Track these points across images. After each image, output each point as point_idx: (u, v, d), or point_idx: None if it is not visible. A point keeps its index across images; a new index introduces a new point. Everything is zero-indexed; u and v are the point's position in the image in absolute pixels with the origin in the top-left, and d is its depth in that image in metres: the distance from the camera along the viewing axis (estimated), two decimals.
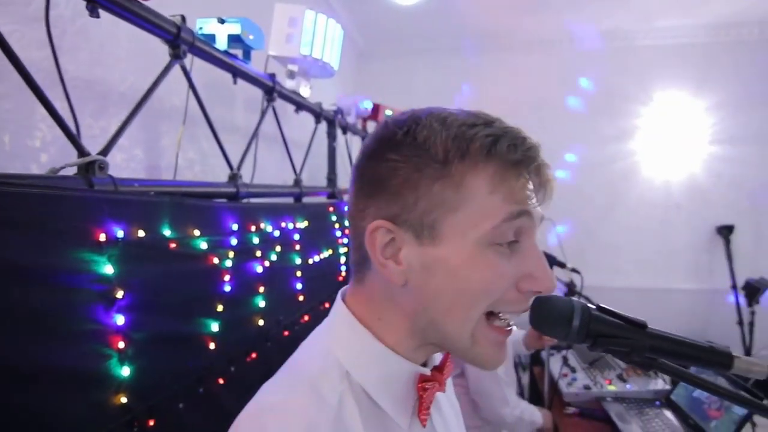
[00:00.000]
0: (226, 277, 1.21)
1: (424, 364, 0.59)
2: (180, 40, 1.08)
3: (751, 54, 3.94)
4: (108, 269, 0.84)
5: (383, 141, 0.54)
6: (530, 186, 0.51)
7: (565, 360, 2.22)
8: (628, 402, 1.94)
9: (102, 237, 0.83)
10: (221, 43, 1.30)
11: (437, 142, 0.49)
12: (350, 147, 2.84)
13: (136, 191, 0.96)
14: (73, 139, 0.86)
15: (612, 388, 2.01)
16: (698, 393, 1.74)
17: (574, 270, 2.00)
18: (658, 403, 1.93)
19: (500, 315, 0.54)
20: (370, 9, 3.69)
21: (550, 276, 0.53)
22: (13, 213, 0.69)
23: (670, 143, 4.11)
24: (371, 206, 0.53)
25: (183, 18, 1.09)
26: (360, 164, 0.57)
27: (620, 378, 2.07)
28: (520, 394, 3.10)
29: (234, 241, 1.26)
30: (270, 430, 0.46)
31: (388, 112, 2.82)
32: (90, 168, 0.87)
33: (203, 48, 1.19)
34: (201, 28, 1.31)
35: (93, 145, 1.56)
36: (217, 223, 1.20)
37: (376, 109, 2.86)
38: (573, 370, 2.20)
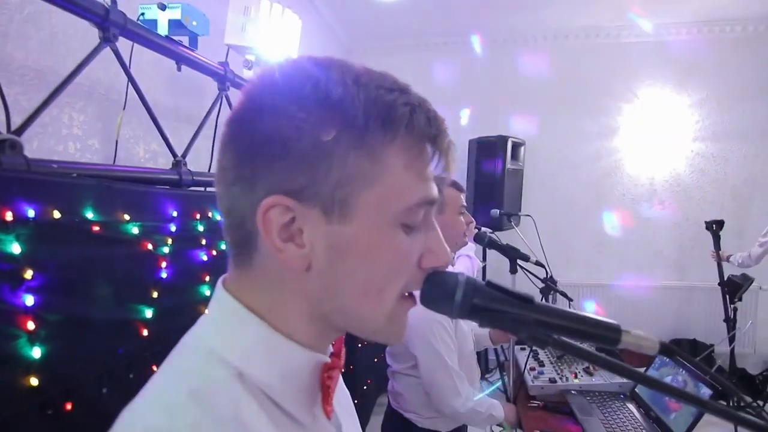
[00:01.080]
0: (163, 264, 1.20)
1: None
2: (109, 23, 1.07)
3: (733, 51, 3.93)
4: (15, 248, 0.83)
5: (281, 91, 0.44)
6: (440, 162, 0.49)
7: (534, 353, 2.20)
8: (593, 395, 1.92)
9: (9, 216, 0.82)
10: (162, 29, 1.29)
11: (356, 104, 0.42)
12: None
13: (52, 172, 0.95)
14: None
15: (577, 381, 1.99)
16: None
17: (538, 263, 1.98)
18: (622, 396, 1.91)
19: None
20: (353, 6, 3.69)
21: (448, 250, 0.52)
22: None
23: (654, 140, 4.09)
24: (264, 174, 0.43)
25: (113, 0, 1.08)
26: (243, 117, 0.45)
27: (587, 371, 2.06)
28: (504, 390, 3.08)
29: (173, 228, 1.24)
30: None
31: None
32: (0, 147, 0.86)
33: (138, 32, 1.18)
34: (143, 14, 1.30)
35: (43, 134, 1.55)
36: (152, 209, 1.19)
37: None
38: (541, 364, 2.18)
